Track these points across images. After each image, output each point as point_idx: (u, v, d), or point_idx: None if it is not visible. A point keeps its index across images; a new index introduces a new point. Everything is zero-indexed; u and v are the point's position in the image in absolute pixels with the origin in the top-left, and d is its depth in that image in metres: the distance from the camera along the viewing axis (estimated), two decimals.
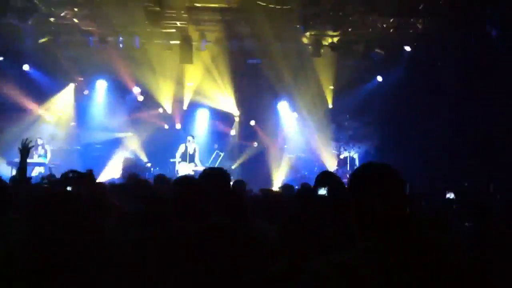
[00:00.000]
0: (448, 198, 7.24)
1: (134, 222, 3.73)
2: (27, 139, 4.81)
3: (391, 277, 1.76)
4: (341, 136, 14.71)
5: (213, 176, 3.84)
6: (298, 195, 4.65)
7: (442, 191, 8.06)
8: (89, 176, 5.20)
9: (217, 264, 2.57)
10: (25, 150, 4.71)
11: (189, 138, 13.33)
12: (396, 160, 12.03)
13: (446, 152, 12.81)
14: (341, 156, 14.90)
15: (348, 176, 12.43)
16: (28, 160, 12.96)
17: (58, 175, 9.14)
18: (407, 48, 13.48)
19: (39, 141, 13.48)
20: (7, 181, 6.25)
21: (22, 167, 4.76)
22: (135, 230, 3.30)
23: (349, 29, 13.16)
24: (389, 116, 14.09)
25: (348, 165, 14.89)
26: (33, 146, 4.80)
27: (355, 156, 14.95)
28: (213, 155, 14.51)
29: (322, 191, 4.95)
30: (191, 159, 13.18)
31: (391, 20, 12.77)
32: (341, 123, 14.81)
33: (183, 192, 3.31)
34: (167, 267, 2.68)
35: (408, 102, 13.66)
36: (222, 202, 3.53)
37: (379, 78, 14.94)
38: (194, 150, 13.30)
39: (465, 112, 12.38)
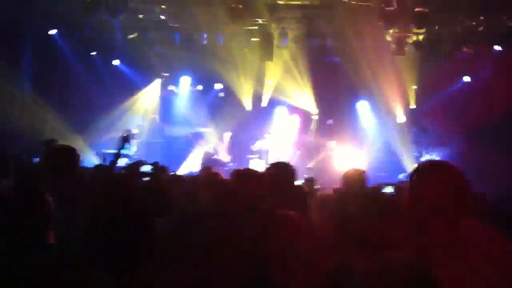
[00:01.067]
0: None
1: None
2: (129, 130, 5.09)
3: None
4: (422, 139, 14.21)
5: (278, 170, 3.88)
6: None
7: None
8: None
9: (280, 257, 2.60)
10: (125, 140, 4.96)
11: (266, 135, 13.49)
12: (480, 166, 11.50)
13: None
14: (422, 159, 14.38)
15: None
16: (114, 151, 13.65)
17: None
18: (497, 47, 12.77)
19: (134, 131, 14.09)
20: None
21: (116, 157, 5.03)
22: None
23: (436, 27, 12.68)
24: (475, 119, 13.43)
25: None
26: (132, 139, 5.09)
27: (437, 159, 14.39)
28: (290, 153, 14.54)
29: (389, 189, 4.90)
30: (265, 155, 13.35)
31: (480, 18, 12.17)
32: (423, 125, 14.30)
33: (243, 184, 3.40)
34: (225, 262, 2.72)
35: (496, 105, 12.96)
36: (284, 196, 3.57)
37: (466, 79, 14.27)
38: (268, 146, 13.44)
39: None
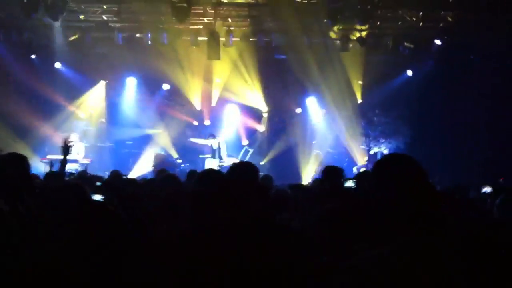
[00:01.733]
0: (485, 192, 6.99)
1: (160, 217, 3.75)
2: (68, 138, 5.00)
3: (435, 272, 1.72)
4: (371, 131, 14.50)
5: (241, 170, 3.81)
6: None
7: (477, 186, 7.84)
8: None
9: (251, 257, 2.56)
10: (66, 149, 4.89)
11: (209, 137, 13.53)
12: (427, 155, 11.84)
13: (478, 146, 12.53)
14: (371, 152, 14.69)
15: None
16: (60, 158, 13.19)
17: (90, 172, 9.39)
18: (437, 42, 13.20)
19: (72, 137, 13.70)
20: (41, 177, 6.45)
21: (62, 164, 5.06)
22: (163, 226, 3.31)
23: (378, 23, 12.98)
24: (420, 110, 13.84)
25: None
26: (73, 145, 4.97)
27: (385, 151, 14.73)
28: (242, 151, 14.54)
29: (350, 183, 4.95)
30: (215, 155, 13.31)
31: (420, 14, 12.53)
32: (371, 118, 14.59)
33: (208, 186, 3.32)
34: (199, 262, 2.66)
35: (439, 96, 13.41)
36: (248, 196, 3.51)
37: (409, 72, 14.69)
38: (219, 145, 13.39)
39: (498, 105, 12.09)
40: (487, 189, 7.01)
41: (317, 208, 3.28)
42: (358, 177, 5.12)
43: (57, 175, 5.59)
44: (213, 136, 13.59)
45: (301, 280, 2.60)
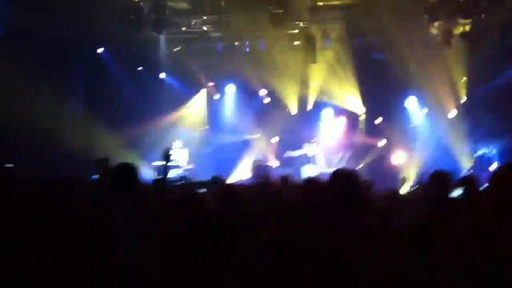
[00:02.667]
0: None
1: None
2: (168, 147, 5.22)
3: None
4: (477, 131, 13.75)
5: (341, 178, 3.81)
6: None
7: None
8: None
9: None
10: (166, 157, 5.10)
11: (305, 144, 13.51)
12: None
13: None
14: (478, 153, 13.93)
15: (486, 174, 11.61)
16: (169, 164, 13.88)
17: (193, 178, 9.82)
18: None
19: (176, 145, 14.39)
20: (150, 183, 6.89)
21: (164, 171, 5.14)
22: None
23: (482, 16, 12.27)
24: None
25: (486, 163, 13.88)
26: (171, 154, 5.23)
27: (494, 152, 13.90)
28: (339, 156, 14.39)
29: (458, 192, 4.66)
30: (312, 161, 13.30)
31: None
32: (477, 117, 13.85)
33: (309, 194, 3.37)
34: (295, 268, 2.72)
35: None
36: (348, 202, 3.52)
37: None
38: (316, 152, 13.38)
39: None
40: None
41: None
42: (467, 183, 4.78)
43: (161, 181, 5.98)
44: (308, 142, 13.53)
45: None
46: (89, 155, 11.92)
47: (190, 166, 13.97)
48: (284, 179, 7.56)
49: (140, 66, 15.12)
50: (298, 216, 3.40)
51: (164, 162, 5.28)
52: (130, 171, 4.26)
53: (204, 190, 6.13)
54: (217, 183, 6.56)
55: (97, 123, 13.75)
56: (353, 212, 3.35)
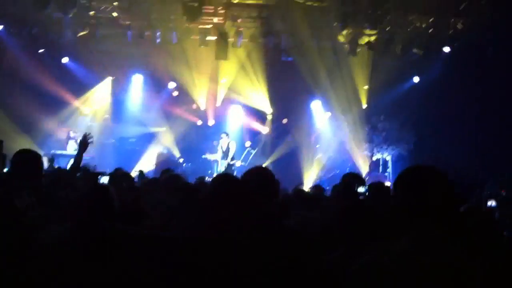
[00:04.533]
0: (490, 207, 6.96)
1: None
2: (89, 134, 4.91)
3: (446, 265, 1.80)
4: (375, 137, 14.48)
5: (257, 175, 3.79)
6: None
7: (483, 199, 7.82)
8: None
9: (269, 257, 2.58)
10: (84, 144, 4.81)
11: (223, 135, 13.35)
12: (430, 162, 11.80)
13: (482, 156, 12.50)
14: (374, 158, 14.70)
15: (380, 178, 12.29)
16: (64, 152, 13.20)
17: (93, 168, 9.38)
18: (446, 49, 13.20)
19: (72, 133, 13.75)
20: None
21: (78, 159, 4.90)
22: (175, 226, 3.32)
23: (387, 28, 12.99)
24: (425, 118, 13.85)
25: (381, 167, 14.70)
26: (92, 142, 4.87)
27: (388, 158, 14.73)
28: (245, 152, 14.51)
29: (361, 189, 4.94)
30: (225, 156, 13.22)
31: (430, 20, 12.56)
32: (375, 124, 14.57)
33: (222, 189, 3.31)
34: (212, 263, 2.67)
35: (445, 104, 13.40)
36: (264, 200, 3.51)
37: (416, 79, 14.68)
38: (228, 146, 13.32)
39: (505, 113, 12.06)
40: (492, 203, 7.00)
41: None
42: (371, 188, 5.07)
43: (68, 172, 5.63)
44: (226, 134, 13.42)
45: (316, 277, 2.63)
46: None
47: (88, 157, 13.33)
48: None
49: (42, 49, 14.15)
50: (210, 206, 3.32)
51: (79, 150, 4.95)
52: (34, 159, 3.96)
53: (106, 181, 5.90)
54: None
55: None
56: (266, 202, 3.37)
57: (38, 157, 3.98)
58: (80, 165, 5.06)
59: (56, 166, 10.64)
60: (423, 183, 1.99)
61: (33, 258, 2.54)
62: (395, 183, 2.08)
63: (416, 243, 1.86)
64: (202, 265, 2.55)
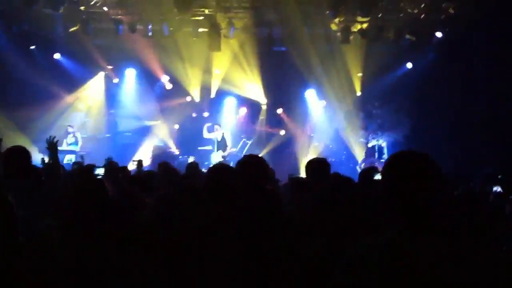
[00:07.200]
0: (495, 191, 6.91)
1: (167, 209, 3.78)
2: (51, 136, 4.60)
3: (429, 257, 1.78)
4: (370, 124, 14.49)
5: (251, 164, 3.81)
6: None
7: (480, 183, 7.83)
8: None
9: (254, 246, 2.60)
10: (52, 147, 4.56)
11: (216, 127, 13.39)
12: (426, 148, 11.83)
13: (478, 139, 12.54)
14: (369, 145, 14.71)
15: (376, 165, 12.31)
16: (59, 148, 13.17)
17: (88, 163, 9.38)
18: (438, 34, 13.20)
19: (70, 129, 13.70)
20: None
21: (54, 162, 4.57)
22: (171, 217, 3.34)
23: (379, 15, 12.97)
24: (419, 103, 13.87)
25: (377, 154, 14.74)
26: (57, 141, 4.68)
27: (384, 145, 14.77)
28: (240, 143, 14.52)
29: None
30: (220, 146, 13.25)
31: (422, 5, 12.55)
32: (370, 111, 14.56)
33: (218, 179, 3.33)
34: (206, 251, 2.70)
35: (438, 89, 13.42)
36: (257, 189, 3.53)
37: (409, 65, 14.68)
38: (223, 136, 13.35)
39: (498, 97, 12.10)
40: (497, 188, 6.93)
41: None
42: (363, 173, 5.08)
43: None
44: (219, 125, 13.47)
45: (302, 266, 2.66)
46: None
47: (84, 152, 13.32)
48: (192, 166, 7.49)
49: (33, 45, 14.06)
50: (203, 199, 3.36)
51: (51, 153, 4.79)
52: (22, 155, 4.01)
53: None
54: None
55: None
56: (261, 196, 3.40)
57: (22, 152, 3.99)
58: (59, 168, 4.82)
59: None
60: (407, 169, 1.93)
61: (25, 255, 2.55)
62: (381, 170, 2.06)
63: (400, 235, 1.86)
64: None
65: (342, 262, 1.87)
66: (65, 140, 13.49)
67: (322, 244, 2.75)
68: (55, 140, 4.57)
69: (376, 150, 14.84)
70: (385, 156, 14.64)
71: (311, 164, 4.98)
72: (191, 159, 13.06)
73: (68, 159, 12.98)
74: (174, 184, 5.46)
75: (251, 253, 2.59)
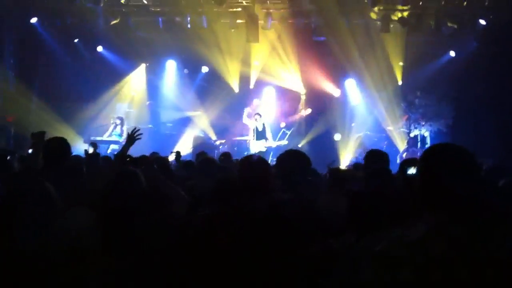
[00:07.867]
0: None
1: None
2: (136, 128, 4.70)
3: (464, 252, 1.75)
4: (412, 114, 14.24)
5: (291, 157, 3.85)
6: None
7: None
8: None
9: (282, 240, 2.63)
10: (131, 138, 4.66)
11: (256, 117, 13.42)
12: (470, 139, 11.58)
13: None
14: (411, 135, 14.45)
15: (418, 154, 12.09)
16: (104, 138, 13.57)
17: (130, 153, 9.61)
18: (482, 21, 12.77)
19: (117, 121, 13.98)
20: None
21: (123, 153, 4.66)
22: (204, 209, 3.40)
23: (420, 3, 12.65)
24: (463, 92, 13.50)
25: (419, 143, 14.48)
26: (140, 138, 4.69)
27: (426, 134, 14.48)
28: (280, 133, 14.53)
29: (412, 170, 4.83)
30: (261, 136, 13.29)
31: None
32: (412, 100, 14.29)
33: (246, 171, 3.40)
34: (236, 244, 2.74)
35: (483, 78, 13.01)
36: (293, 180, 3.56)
37: (452, 53, 14.29)
38: (263, 126, 13.38)
39: None
40: None
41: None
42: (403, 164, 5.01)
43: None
44: (259, 115, 13.52)
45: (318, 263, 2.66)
46: (20, 129, 11.50)
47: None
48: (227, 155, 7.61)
49: (76, 38, 14.48)
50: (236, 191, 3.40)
51: (126, 143, 4.81)
52: (61, 145, 4.19)
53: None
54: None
55: (30, 96, 13.21)
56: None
57: (61, 143, 4.20)
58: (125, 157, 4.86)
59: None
60: (441, 163, 1.91)
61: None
62: (418, 163, 2.04)
63: (431, 231, 1.81)
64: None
65: (370, 258, 1.83)
66: (109, 131, 13.84)
67: (349, 240, 2.74)
68: (137, 134, 4.64)
69: (419, 140, 14.58)
70: (428, 145, 14.34)
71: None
72: (229, 149, 13.19)
73: (111, 149, 13.35)
74: (211, 175, 5.54)
75: (251, 254, 2.62)
